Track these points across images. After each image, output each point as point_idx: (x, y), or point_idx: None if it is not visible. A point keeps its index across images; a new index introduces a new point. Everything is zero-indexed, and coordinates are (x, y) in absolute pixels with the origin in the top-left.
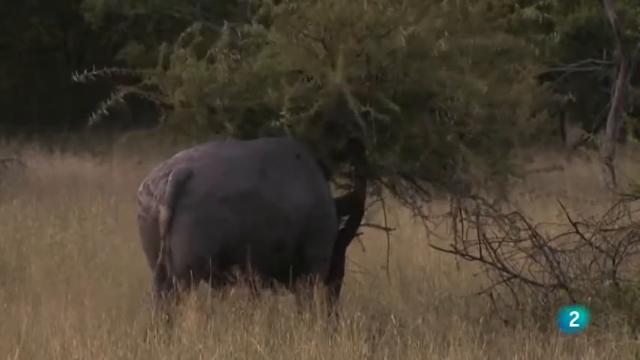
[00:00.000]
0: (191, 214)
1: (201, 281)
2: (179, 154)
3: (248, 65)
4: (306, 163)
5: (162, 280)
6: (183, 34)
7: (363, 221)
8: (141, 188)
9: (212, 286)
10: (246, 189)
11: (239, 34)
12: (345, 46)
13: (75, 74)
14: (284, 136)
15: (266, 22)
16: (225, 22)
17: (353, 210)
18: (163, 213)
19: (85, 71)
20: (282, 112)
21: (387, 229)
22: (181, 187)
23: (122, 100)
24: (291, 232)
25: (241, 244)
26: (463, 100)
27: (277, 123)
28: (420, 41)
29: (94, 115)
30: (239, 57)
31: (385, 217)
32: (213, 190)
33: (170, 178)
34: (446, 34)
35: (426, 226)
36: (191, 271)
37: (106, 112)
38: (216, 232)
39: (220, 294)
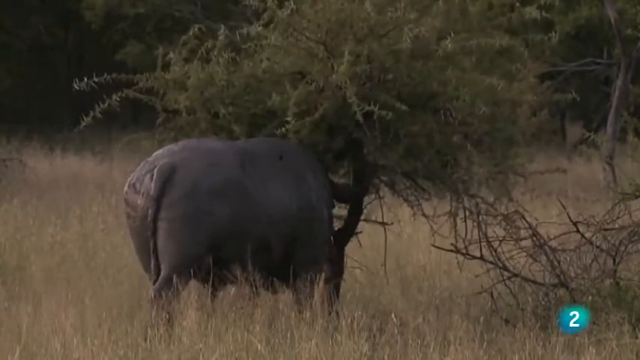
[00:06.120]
0: (179, 208)
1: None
2: (159, 151)
3: (247, 67)
4: (291, 165)
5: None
6: (184, 37)
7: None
8: (126, 188)
9: (204, 284)
10: (231, 180)
11: (237, 35)
12: (347, 47)
13: (76, 82)
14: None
15: (269, 25)
16: (223, 24)
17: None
18: (150, 210)
19: (86, 79)
20: (288, 118)
21: (384, 224)
22: (167, 181)
23: (118, 101)
24: (275, 232)
25: (230, 238)
26: (468, 99)
27: (282, 130)
28: (424, 42)
29: (85, 118)
30: (237, 58)
31: (382, 214)
32: (200, 181)
33: (155, 173)
34: (449, 34)
35: (431, 226)
36: (184, 268)
37: (99, 115)
38: (206, 225)
39: (210, 292)
